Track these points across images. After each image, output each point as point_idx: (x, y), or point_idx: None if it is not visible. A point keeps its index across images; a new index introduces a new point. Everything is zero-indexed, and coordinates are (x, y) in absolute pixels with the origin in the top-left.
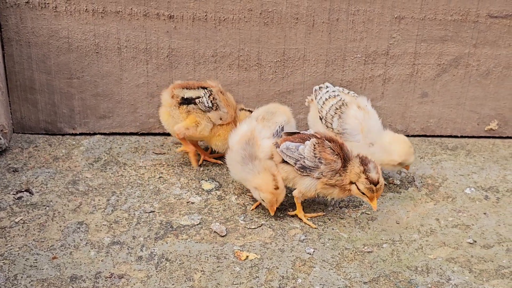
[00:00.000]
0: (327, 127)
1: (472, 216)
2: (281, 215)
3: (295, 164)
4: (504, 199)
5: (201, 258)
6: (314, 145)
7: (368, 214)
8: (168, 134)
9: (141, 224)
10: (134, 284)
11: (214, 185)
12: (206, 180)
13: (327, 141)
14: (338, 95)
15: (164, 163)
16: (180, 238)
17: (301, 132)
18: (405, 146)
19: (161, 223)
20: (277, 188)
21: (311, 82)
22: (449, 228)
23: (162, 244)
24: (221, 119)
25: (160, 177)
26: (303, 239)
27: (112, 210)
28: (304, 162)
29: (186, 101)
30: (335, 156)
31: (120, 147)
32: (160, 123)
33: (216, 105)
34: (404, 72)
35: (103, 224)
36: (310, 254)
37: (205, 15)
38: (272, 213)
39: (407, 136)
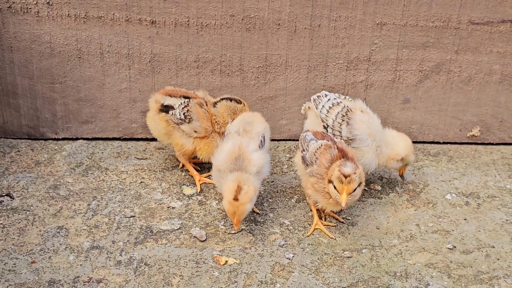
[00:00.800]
0: (334, 135)
1: (452, 221)
2: (262, 220)
3: (302, 152)
4: (484, 205)
5: (180, 263)
6: (321, 145)
7: (348, 219)
8: (151, 139)
9: (121, 228)
10: None
11: (195, 190)
12: (187, 185)
13: (334, 149)
14: (341, 102)
15: (146, 168)
16: (159, 243)
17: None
18: (408, 141)
19: (141, 228)
20: (235, 199)
21: (294, 88)
22: (429, 234)
23: (141, 248)
24: (195, 131)
25: (141, 182)
26: (283, 244)
27: (92, 215)
28: (306, 155)
29: (165, 109)
30: (328, 164)
31: (102, 152)
32: (143, 128)
33: (189, 118)
34: (386, 78)
35: (83, 229)
36: (289, 259)
37: (187, 21)
38: (235, 227)
39: None
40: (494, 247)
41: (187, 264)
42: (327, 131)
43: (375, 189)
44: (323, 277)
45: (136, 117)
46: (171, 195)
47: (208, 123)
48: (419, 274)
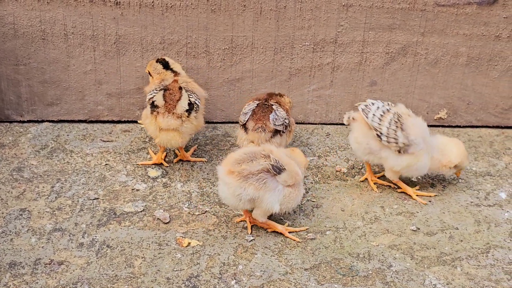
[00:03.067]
0: (389, 142)
1: (417, 203)
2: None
3: None
4: (450, 187)
5: (142, 245)
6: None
7: (313, 201)
8: (117, 122)
9: (84, 211)
10: (73, 271)
11: (160, 173)
12: (152, 168)
13: None
14: (390, 108)
15: (111, 151)
16: (122, 225)
17: None
18: (461, 148)
19: (105, 210)
20: None
21: (260, 70)
22: (393, 216)
23: (104, 231)
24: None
25: (106, 164)
26: (247, 226)
27: (56, 197)
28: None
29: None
30: None
31: (68, 135)
32: (109, 111)
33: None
34: (352, 60)
35: (46, 211)
36: (252, 241)
37: (152, 2)
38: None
39: None
40: (458, 229)
41: (149, 246)
42: (381, 139)
43: (341, 172)
44: (286, 258)
45: (102, 99)
46: (136, 178)
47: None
48: (382, 255)
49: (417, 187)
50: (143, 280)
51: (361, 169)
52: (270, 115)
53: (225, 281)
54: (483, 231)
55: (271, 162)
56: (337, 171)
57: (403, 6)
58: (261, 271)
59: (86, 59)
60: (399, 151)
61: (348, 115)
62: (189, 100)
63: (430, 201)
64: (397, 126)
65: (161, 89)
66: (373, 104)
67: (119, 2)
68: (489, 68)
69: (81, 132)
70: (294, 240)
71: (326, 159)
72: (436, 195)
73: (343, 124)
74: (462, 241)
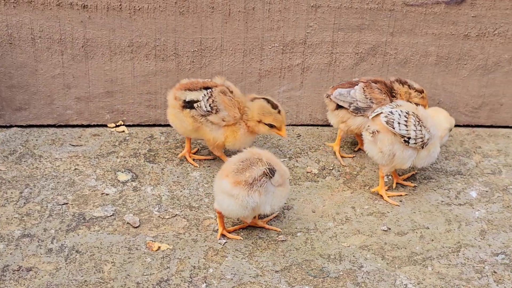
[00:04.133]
0: (417, 143)
1: (387, 204)
2: (197, 205)
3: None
4: (420, 186)
5: (112, 250)
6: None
7: (285, 203)
8: (87, 126)
9: (53, 216)
10: (42, 277)
11: (130, 176)
12: (122, 171)
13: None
14: (407, 111)
15: (80, 155)
16: (92, 230)
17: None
18: (442, 112)
19: (74, 215)
20: None
21: (230, 71)
22: (364, 216)
23: (73, 236)
24: (223, 120)
25: (75, 168)
26: (217, 229)
27: (24, 203)
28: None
29: (188, 105)
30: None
31: (36, 140)
32: (78, 115)
33: (216, 108)
34: (322, 61)
35: (14, 217)
36: (223, 244)
37: (120, 5)
38: None
39: (328, 126)
40: (428, 228)
41: (119, 251)
42: (409, 143)
43: (312, 173)
44: (257, 261)
45: (70, 104)
46: (106, 182)
47: (235, 110)
48: (353, 256)
49: (387, 188)
50: (113, 285)
51: (332, 170)
52: None
53: (196, 285)
54: (454, 230)
55: (267, 166)
56: (308, 172)
57: (372, 6)
58: (231, 274)
59: (54, 63)
60: (422, 147)
61: (371, 129)
62: None
63: (401, 201)
64: (420, 126)
65: None
66: (391, 113)
67: (86, 5)
68: (459, 67)
69: (50, 136)
70: (276, 230)
71: (297, 161)
72: (406, 194)
73: (314, 125)
74: (433, 240)
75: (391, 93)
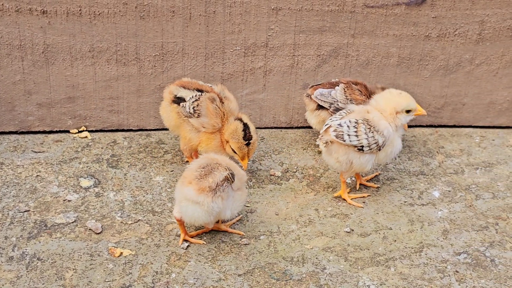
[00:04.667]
0: (371, 149)
1: (351, 205)
2: (159, 210)
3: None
4: (384, 187)
5: (74, 257)
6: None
7: (247, 206)
8: (49, 132)
9: (15, 224)
10: (2, 285)
11: (92, 182)
12: (84, 177)
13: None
14: (356, 120)
15: (43, 161)
16: (53, 237)
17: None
18: (399, 94)
19: (35, 222)
20: None
21: (192, 75)
22: (327, 218)
23: (35, 243)
24: (203, 126)
25: (37, 175)
26: (180, 234)
27: None
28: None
29: (177, 100)
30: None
31: None
32: (40, 121)
33: (198, 112)
34: (284, 63)
35: None
36: (186, 248)
37: (79, 10)
38: None
39: (291, 128)
40: (391, 229)
41: (81, 257)
42: (364, 150)
43: (275, 176)
44: (220, 265)
45: (32, 110)
46: (68, 188)
47: (217, 120)
48: (316, 258)
49: (349, 190)
50: None
51: (295, 172)
52: None
53: None
54: (417, 230)
55: (228, 171)
56: (271, 175)
57: (333, 8)
58: (194, 278)
59: (14, 69)
60: (379, 150)
61: (324, 140)
62: None
63: (364, 202)
64: (372, 132)
65: None
66: (340, 125)
67: (46, 11)
68: (420, 68)
69: (12, 143)
70: (239, 234)
71: (260, 163)
72: (369, 195)
73: (277, 127)
74: (395, 241)
75: (371, 96)
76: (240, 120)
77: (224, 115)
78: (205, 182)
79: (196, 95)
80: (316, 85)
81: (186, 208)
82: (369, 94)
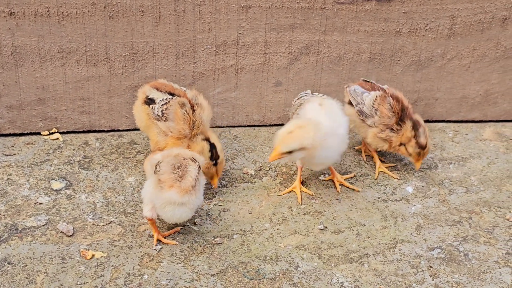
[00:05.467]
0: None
1: (324, 202)
2: (132, 211)
3: (356, 106)
4: (357, 183)
5: (45, 260)
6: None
7: (220, 205)
8: (20, 135)
9: None
10: None
11: (64, 184)
12: (56, 180)
13: (389, 98)
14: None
15: (13, 164)
16: (24, 240)
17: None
18: (311, 125)
19: (6, 226)
20: None
21: (163, 75)
22: (301, 216)
23: (5, 247)
24: (170, 131)
25: (8, 178)
26: (153, 235)
27: None
28: (363, 108)
29: (149, 101)
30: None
31: None
32: (10, 123)
33: (166, 116)
34: (256, 61)
35: None
36: (158, 250)
37: (48, 11)
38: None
39: (264, 126)
40: (365, 225)
41: (52, 261)
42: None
43: (248, 174)
44: (192, 265)
45: (2, 112)
46: (39, 191)
47: (184, 126)
48: (290, 256)
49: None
50: None
51: (268, 170)
52: None
53: None
54: (390, 226)
55: (197, 161)
56: (244, 173)
57: (303, 5)
58: (167, 279)
59: None
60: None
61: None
62: None
63: (337, 199)
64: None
65: None
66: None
67: (13, 12)
68: (392, 64)
69: None
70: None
71: (233, 162)
72: (313, 195)
73: (250, 125)
74: (369, 237)
75: (401, 119)
76: (207, 140)
77: (193, 122)
78: (187, 182)
79: (166, 98)
80: (365, 80)
81: (173, 211)
82: (400, 114)
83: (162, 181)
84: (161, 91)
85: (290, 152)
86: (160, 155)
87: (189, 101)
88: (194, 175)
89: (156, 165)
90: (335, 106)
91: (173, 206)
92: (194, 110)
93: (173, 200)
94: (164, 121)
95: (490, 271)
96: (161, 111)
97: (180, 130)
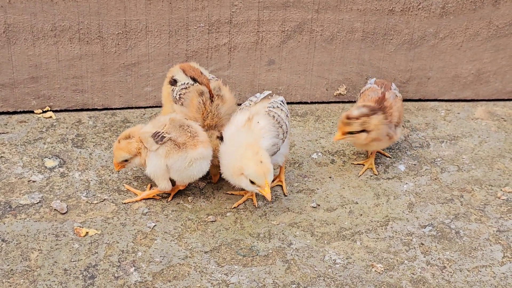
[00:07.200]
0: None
1: (317, 180)
2: (125, 189)
3: None
4: (350, 162)
5: (39, 237)
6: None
7: (215, 184)
8: (13, 113)
9: None
10: None
11: (57, 162)
12: (49, 158)
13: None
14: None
15: (7, 142)
16: (18, 218)
17: None
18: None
19: (0, 204)
20: None
21: (156, 53)
22: (294, 194)
23: None
24: (185, 116)
25: (1, 156)
26: (146, 212)
27: None
28: None
29: (173, 82)
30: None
31: None
32: (3, 101)
33: (181, 100)
34: (249, 40)
35: None
36: (152, 227)
37: None
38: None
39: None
40: (357, 203)
41: (46, 238)
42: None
43: None
44: (186, 242)
45: None
46: (32, 169)
47: (197, 115)
48: (283, 234)
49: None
50: (40, 273)
51: None
52: None
53: (124, 269)
54: (383, 204)
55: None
56: None
57: None
58: (160, 256)
59: None
60: None
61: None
62: None
63: (330, 177)
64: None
65: None
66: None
67: None
68: (385, 42)
69: None
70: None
71: None
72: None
73: None
74: (361, 215)
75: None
76: (221, 138)
77: (207, 113)
78: (204, 135)
79: (186, 84)
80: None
81: (200, 166)
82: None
83: (181, 143)
84: (186, 74)
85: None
86: (150, 126)
87: (210, 91)
88: (201, 128)
89: (154, 136)
90: None
91: (201, 160)
92: (212, 101)
93: (203, 155)
94: (180, 105)
95: (481, 248)
96: (179, 95)
97: (192, 118)
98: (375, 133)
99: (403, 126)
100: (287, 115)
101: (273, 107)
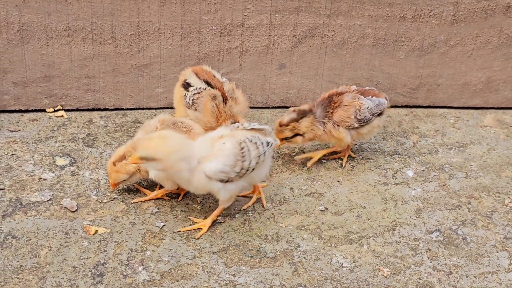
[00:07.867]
0: None
1: (326, 184)
2: (135, 189)
3: None
4: (358, 166)
5: (49, 234)
6: None
7: None
8: (25, 111)
9: None
10: None
11: (68, 161)
12: (60, 156)
13: None
14: None
15: (18, 140)
16: (28, 215)
17: None
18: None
19: (10, 201)
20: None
21: (168, 55)
22: (302, 197)
23: (9, 221)
24: (198, 120)
25: (13, 154)
26: (156, 212)
27: None
28: None
29: (186, 85)
30: None
31: None
32: (15, 100)
33: (195, 106)
34: (260, 43)
35: None
36: (161, 226)
37: None
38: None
39: (267, 108)
40: (365, 208)
41: (56, 235)
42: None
43: None
44: (194, 243)
45: (7, 89)
46: (43, 167)
47: (211, 119)
48: (290, 236)
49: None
50: (49, 269)
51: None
52: None
53: (132, 268)
54: (390, 209)
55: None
56: None
57: None
58: (169, 256)
59: None
60: None
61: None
62: None
63: (338, 181)
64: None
65: None
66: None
67: None
68: (396, 49)
69: None
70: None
71: None
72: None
73: (254, 107)
74: (369, 219)
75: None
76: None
77: (221, 115)
78: (197, 128)
79: (199, 88)
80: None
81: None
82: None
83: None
84: (199, 78)
85: None
86: (141, 132)
87: (223, 94)
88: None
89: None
90: None
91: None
92: (225, 103)
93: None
94: (194, 110)
95: (487, 255)
96: (192, 100)
97: (206, 122)
98: (310, 134)
99: (411, 132)
100: (260, 156)
101: (251, 140)
